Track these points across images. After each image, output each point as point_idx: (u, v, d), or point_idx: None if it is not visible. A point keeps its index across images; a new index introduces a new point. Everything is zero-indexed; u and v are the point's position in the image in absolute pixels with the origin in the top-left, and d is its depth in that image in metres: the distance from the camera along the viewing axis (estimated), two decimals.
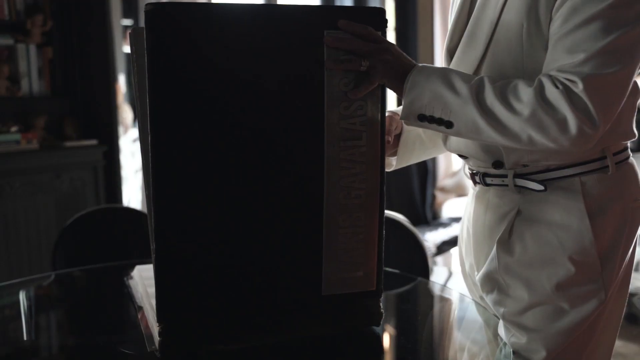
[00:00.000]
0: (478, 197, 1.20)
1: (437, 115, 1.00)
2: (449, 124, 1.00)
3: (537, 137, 0.96)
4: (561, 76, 0.95)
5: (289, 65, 0.98)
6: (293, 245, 1.04)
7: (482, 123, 0.97)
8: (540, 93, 0.95)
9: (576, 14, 0.95)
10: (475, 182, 1.20)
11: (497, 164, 1.12)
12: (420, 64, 1.03)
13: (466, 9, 1.14)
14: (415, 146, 1.28)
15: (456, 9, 1.16)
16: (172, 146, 0.95)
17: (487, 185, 1.16)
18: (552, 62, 0.98)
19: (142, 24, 3.16)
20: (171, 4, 0.92)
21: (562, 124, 0.94)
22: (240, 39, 0.95)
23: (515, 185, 1.11)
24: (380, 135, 1.05)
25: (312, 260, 1.05)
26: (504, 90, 0.97)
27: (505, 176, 1.12)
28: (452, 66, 1.14)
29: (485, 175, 1.16)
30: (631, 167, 1.13)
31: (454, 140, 1.17)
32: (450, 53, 1.17)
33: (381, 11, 1.03)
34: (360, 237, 1.06)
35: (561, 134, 0.94)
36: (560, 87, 0.94)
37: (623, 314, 1.17)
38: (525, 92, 0.96)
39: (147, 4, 0.90)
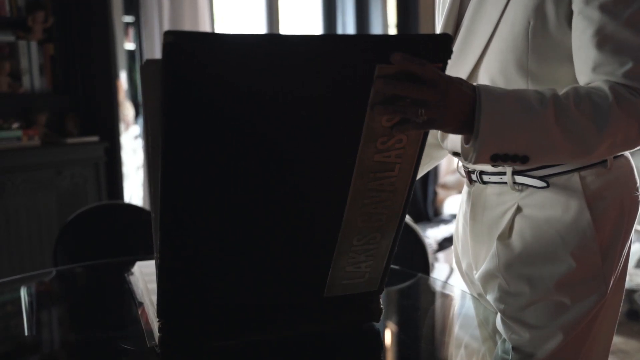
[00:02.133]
0: (475, 195, 1.19)
1: (512, 153, 0.91)
2: (524, 159, 0.93)
3: (620, 149, 0.97)
4: (630, 83, 0.94)
5: (329, 100, 0.86)
6: (302, 257, 1.02)
7: (564, 152, 0.93)
8: (623, 108, 0.93)
9: (612, 14, 0.95)
10: (471, 180, 1.19)
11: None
12: (484, 100, 0.89)
13: (457, 4, 1.13)
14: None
15: (447, 5, 1.15)
16: (185, 177, 0.87)
17: (484, 183, 1.16)
18: (602, 65, 0.96)
19: (142, 20, 3.15)
20: (196, 34, 0.78)
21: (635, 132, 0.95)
22: (276, 72, 0.82)
23: (515, 183, 1.11)
24: (415, 164, 0.96)
25: (319, 271, 1.05)
26: (585, 109, 0.92)
27: (504, 173, 1.11)
28: (448, 64, 1.12)
29: (482, 172, 1.15)
30: (627, 160, 1.13)
31: (451, 138, 1.17)
32: None
33: (447, 39, 0.87)
34: (371, 252, 1.05)
35: None
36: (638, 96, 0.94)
37: (621, 307, 1.17)
38: (606, 108, 0.92)
39: (166, 33, 0.75)
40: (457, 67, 1.11)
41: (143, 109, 0.83)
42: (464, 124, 0.89)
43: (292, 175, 0.92)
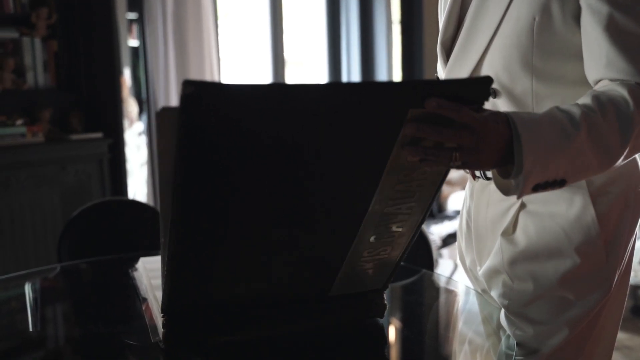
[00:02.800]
0: (478, 191, 1.18)
1: (551, 180, 0.89)
2: (562, 182, 0.90)
3: (636, 152, 0.96)
4: None
5: (354, 143, 0.84)
6: (312, 265, 1.02)
7: (595, 167, 0.91)
8: None
9: (623, 8, 0.94)
10: (474, 176, 1.19)
11: None
12: (523, 134, 0.84)
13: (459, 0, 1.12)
14: None
15: (448, 1, 1.14)
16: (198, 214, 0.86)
17: (487, 179, 1.15)
18: (615, 62, 0.95)
19: (146, 17, 3.15)
20: (219, 86, 0.74)
21: None
22: (301, 123, 0.79)
23: None
24: (436, 191, 0.94)
25: (327, 275, 1.05)
26: (612, 120, 0.90)
27: None
28: (451, 60, 1.12)
29: None
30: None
31: None
32: (445, 46, 1.15)
33: (487, 81, 0.82)
34: (382, 260, 1.05)
35: None
36: None
37: (625, 302, 1.17)
38: (630, 116, 0.91)
39: (186, 83, 0.71)
40: (460, 64, 1.10)
41: (157, 151, 0.80)
42: (500, 161, 0.87)
43: (309, 203, 0.91)
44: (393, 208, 0.94)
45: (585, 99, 0.92)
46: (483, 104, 0.84)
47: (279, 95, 0.77)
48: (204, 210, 0.85)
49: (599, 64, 0.96)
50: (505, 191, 0.91)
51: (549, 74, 1.03)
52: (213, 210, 0.86)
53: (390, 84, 0.91)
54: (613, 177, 1.07)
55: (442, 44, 1.15)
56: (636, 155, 1.12)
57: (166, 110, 0.74)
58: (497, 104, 1.07)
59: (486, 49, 1.06)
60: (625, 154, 0.93)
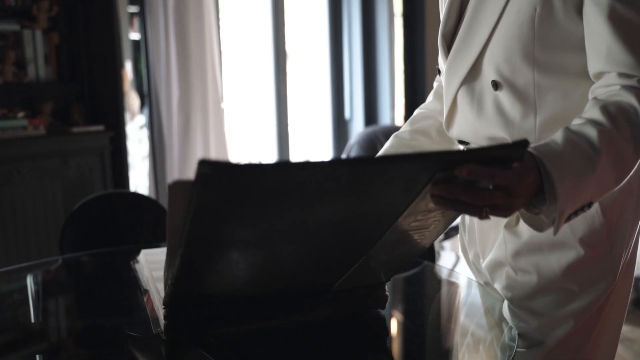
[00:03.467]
0: None
1: (580, 207, 0.88)
2: (589, 205, 0.89)
3: None
4: None
5: (367, 208, 0.84)
6: (319, 266, 1.03)
7: (615, 183, 0.91)
8: None
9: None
10: None
11: None
12: (555, 176, 0.83)
13: None
14: None
15: None
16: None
17: None
18: (615, 53, 0.94)
19: (147, 10, 3.13)
20: (235, 167, 0.73)
21: None
22: (319, 199, 0.79)
23: None
24: (451, 220, 0.94)
25: (333, 275, 1.05)
26: (625, 132, 0.89)
27: None
28: (452, 52, 1.11)
29: None
30: None
31: (456, 126, 1.16)
32: (446, 38, 1.14)
33: (524, 145, 0.80)
34: (393, 260, 1.06)
35: None
36: None
37: (630, 293, 1.16)
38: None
39: (202, 164, 0.71)
40: (461, 57, 1.09)
41: (167, 223, 0.81)
42: (532, 204, 0.86)
43: (318, 241, 0.93)
44: (406, 238, 0.96)
45: (594, 113, 0.91)
46: (516, 161, 0.82)
47: (293, 174, 0.76)
48: (212, 249, 0.88)
49: (599, 55, 0.96)
50: (538, 227, 0.89)
51: (551, 65, 1.02)
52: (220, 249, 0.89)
53: (415, 158, 0.81)
54: None
55: (443, 36, 1.14)
56: None
57: (178, 183, 0.76)
58: (499, 97, 1.07)
59: (487, 41, 1.05)
60: (639, 162, 0.93)
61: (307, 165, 0.77)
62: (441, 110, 1.33)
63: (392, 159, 0.81)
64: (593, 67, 0.98)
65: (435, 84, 1.39)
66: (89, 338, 1.17)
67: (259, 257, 0.93)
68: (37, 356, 1.09)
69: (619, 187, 0.92)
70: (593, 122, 0.89)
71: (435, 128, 1.31)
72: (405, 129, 1.34)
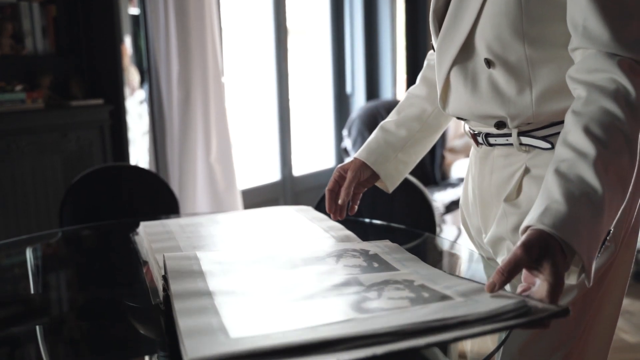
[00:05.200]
0: (482, 158, 1.17)
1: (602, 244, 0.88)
2: (608, 233, 0.89)
3: None
4: (627, 56, 0.89)
5: None
6: None
7: (622, 199, 0.88)
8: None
9: None
10: (477, 143, 1.17)
11: (500, 125, 1.09)
12: (579, 247, 0.81)
13: None
14: (399, 170, 1.33)
15: None
16: None
17: (490, 145, 1.13)
18: (600, 34, 0.91)
19: None
20: None
21: None
22: None
23: (521, 144, 1.08)
24: None
25: None
26: (622, 149, 0.87)
27: (509, 135, 1.09)
28: (443, 30, 1.10)
29: (488, 135, 1.13)
30: None
31: (451, 104, 1.15)
32: (437, 15, 1.13)
33: (565, 312, 0.78)
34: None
35: None
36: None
37: (632, 265, 1.15)
38: (626, 125, 0.87)
39: None
40: (452, 35, 1.08)
41: None
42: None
43: None
44: None
45: (578, 138, 0.87)
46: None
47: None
48: None
49: (577, 30, 0.93)
50: (569, 278, 0.87)
51: (541, 39, 1.00)
52: None
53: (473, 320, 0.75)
54: None
55: (434, 12, 1.13)
56: None
57: None
58: (493, 74, 1.06)
59: (476, 19, 1.04)
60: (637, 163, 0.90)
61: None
62: (427, 95, 1.34)
63: None
64: (571, 42, 0.96)
65: (425, 62, 1.39)
66: (89, 309, 1.18)
67: None
68: (38, 328, 1.08)
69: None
70: (581, 155, 0.85)
71: (419, 117, 1.33)
72: (391, 118, 1.35)
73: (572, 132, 0.88)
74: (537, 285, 0.81)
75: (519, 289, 0.84)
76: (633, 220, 1.10)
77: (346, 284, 0.92)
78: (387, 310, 0.78)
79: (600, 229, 0.83)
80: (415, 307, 0.79)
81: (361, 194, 1.36)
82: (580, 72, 0.92)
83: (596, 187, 0.83)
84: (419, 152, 1.36)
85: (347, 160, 1.38)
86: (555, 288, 0.78)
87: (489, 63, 1.05)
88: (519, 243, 0.81)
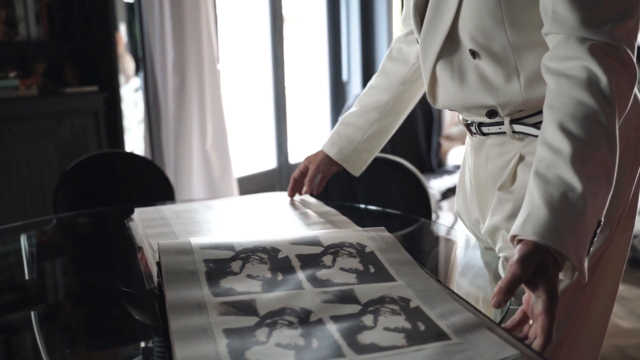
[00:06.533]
0: (476, 148, 1.17)
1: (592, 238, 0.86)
2: (599, 223, 0.86)
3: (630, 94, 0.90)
4: (598, 39, 0.88)
5: None
6: None
7: (608, 185, 0.86)
8: (613, 85, 0.86)
9: None
10: (471, 133, 1.17)
11: (491, 114, 1.09)
12: (558, 251, 0.81)
13: None
14: (362, 158, 1.43)
15: None
16: None
17: (484, 134, 1.13)
18: (569, 17, 0.90)
19: None
20: None
21: (633, 79, 0.90)
22: None
23: (514, 132, 1.08)
24: None
25: None
26: (601, 140, 0.86)
27: (502, 123, 1.09)
28: (425, 24, 1.09)
29: (480, 124, 1.13)
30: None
31: (441, 98, 1.14)
32: (419, 9, 1.12)
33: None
34: None
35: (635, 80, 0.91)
36: (611, 51, 0.88)
37: (628, 250, 1.15)
38: (602, 116, 0.86)
39: None
40: (434, 28, 1.08)
41: None
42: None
43: None
44: None
45: (554, 135, 0.86)
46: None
47: None
48: None
49: (547, 15, 0.93)
50: (568, 277, 0.87)
51: (522, 25, 1.00)
52: None
53: None
54: None
55: (415, 7, 1.12)
56: (637, 94, 1.09)
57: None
58: (480, 65, 1.05)
59: (457, 11, 1.03)
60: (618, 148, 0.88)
61: None
62: (384, 85, 1.41)
63: None
64: (543, 27, 0.95)
65: (387, 53, 1.45)
66: (83, 294, 1.17)
67: None
68: (33, 314, 1.08)
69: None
70: (557, 153, 0.84)
71: (377, 107, 1.40)
72: (352, 110, 1.45)
73: (548, 129, 0.88)
74: (530, 303, 0.81)
75: (519, 312, 0.84)
76: (629, 203, 1.10)
77: (343, 298, 0.90)
78: (383, 351, 0.76)
79: (585, 225, 0.82)
80: (411, 348, 0.77)
81: (328, 177, 1.48)
82: (553, 60, 0.91)
83: (574, 185, 0.82)
84: (381, 139, 1.44)
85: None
86: (551, 304, 0.78)
87: (474, 54, 1.05)
88: (514, 259, 0.80)
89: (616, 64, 0.87)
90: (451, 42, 1.07)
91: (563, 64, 0.89)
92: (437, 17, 1.07)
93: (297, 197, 1.50)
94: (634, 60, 0.90)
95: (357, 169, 1.44)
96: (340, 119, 1.45)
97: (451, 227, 1.61)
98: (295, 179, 1.46)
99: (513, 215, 1.08)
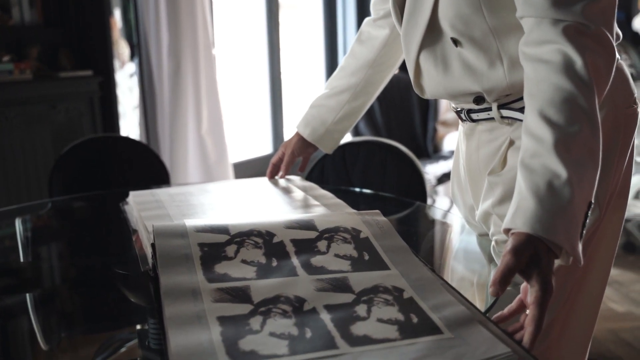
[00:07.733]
0: (468, 135, 1.17)
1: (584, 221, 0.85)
2: (589, 205, 0.85)
3: (610, 70, 0.89)
4: (571, 19, 0.87)
5: None
6: None
7: (595, 169, 0.85)
8: (590, 66, 0.85)
9: None
10: (461, 119, 1.17)
11: (479, 100, 1.09)
12: (560, 241, 0.81)
13: None
14: (335, 137, 1.49)
15: None
16: None
17: (473, 121, 1.13)
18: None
19: None
20: None
21: (610, 57, 0.89)
22: None
23: (502, 117, 1.08)
24: None
25: None
26: (582, 122, 0.84)
27: (490, 109, 1.09)
28: (405, 16, 1.09)
29: (469, 111, 1.13)
30: (620, 71, 1.07)
31: (427, 86, 1.15)
32: (398, 1, 1.12)
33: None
34: None
35: (614, 57, 0.90)
36: (586, 31, 0.87)
37: (621, 230, 1.15)
38: (582, 96, 0.85)
39: None
40: (415, 20, 1.08)
41: None
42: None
43: None
44: None
45: (536, 124, 0.85)
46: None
47: None
48: None
49: None
50: (565, 261, 0.86)
51: (499, 8, 1.00)
52: None
53: None
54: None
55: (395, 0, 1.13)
56: (624, 70, 1.08)
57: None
58: (463, 53, 1.05)
59: (436, 1, 1.04)
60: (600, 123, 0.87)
61: None
62: (352, 67, 1.44)
63: None
64: (517, 11, 0.94)
65: (356, 35, 1.45)
66: (79, 276, 1.18)
67: None
68: (28, 297, 1.08)
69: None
70: (540, 142, 0.84)
71: (348, 89, 1.44)
72: (324, 92, 1.49)
73: (529, 117, 0.87)
74: (528, 292, 0.81)
75: (512, 306, 0.84)
76: (620, 182, 1.10)
77: (337, 287, 0.89)
78: (376, 344, 0.76)
79: (574, 210, 0.82)
80: (404, 342, 0.76)
81: (309, 158, 1.57)
82: (528, 46, 0.90)
83: (559, 172, 0.81)
84: (352, 119, 1.49)
85: None
86: (543, 295, 0.78)
87: (455, 42, 1.05)
88: (507, 249, 0.80)
89: (591, 43, 0.86)
90: (432, 32, 1.07)
91: (538, 48, 0.88)
92: (417, 8, 1.07)
93: (292, 179, 1.50)
94: (611, 37, 0.89)
95: (330, 148, 1.51)
96: (312, 101, 1.50)
97: (447, 211, 1.62)
98: (273, 164, 1.54)
99: (503, 200, 1.08)
